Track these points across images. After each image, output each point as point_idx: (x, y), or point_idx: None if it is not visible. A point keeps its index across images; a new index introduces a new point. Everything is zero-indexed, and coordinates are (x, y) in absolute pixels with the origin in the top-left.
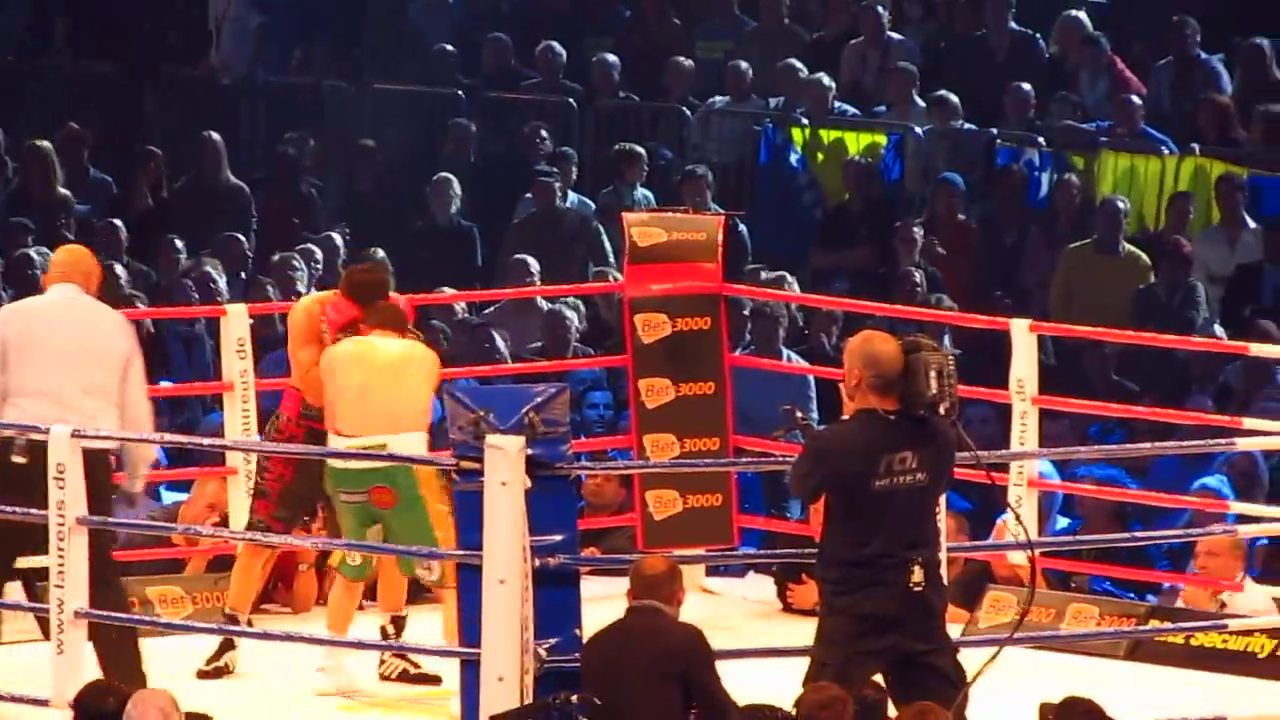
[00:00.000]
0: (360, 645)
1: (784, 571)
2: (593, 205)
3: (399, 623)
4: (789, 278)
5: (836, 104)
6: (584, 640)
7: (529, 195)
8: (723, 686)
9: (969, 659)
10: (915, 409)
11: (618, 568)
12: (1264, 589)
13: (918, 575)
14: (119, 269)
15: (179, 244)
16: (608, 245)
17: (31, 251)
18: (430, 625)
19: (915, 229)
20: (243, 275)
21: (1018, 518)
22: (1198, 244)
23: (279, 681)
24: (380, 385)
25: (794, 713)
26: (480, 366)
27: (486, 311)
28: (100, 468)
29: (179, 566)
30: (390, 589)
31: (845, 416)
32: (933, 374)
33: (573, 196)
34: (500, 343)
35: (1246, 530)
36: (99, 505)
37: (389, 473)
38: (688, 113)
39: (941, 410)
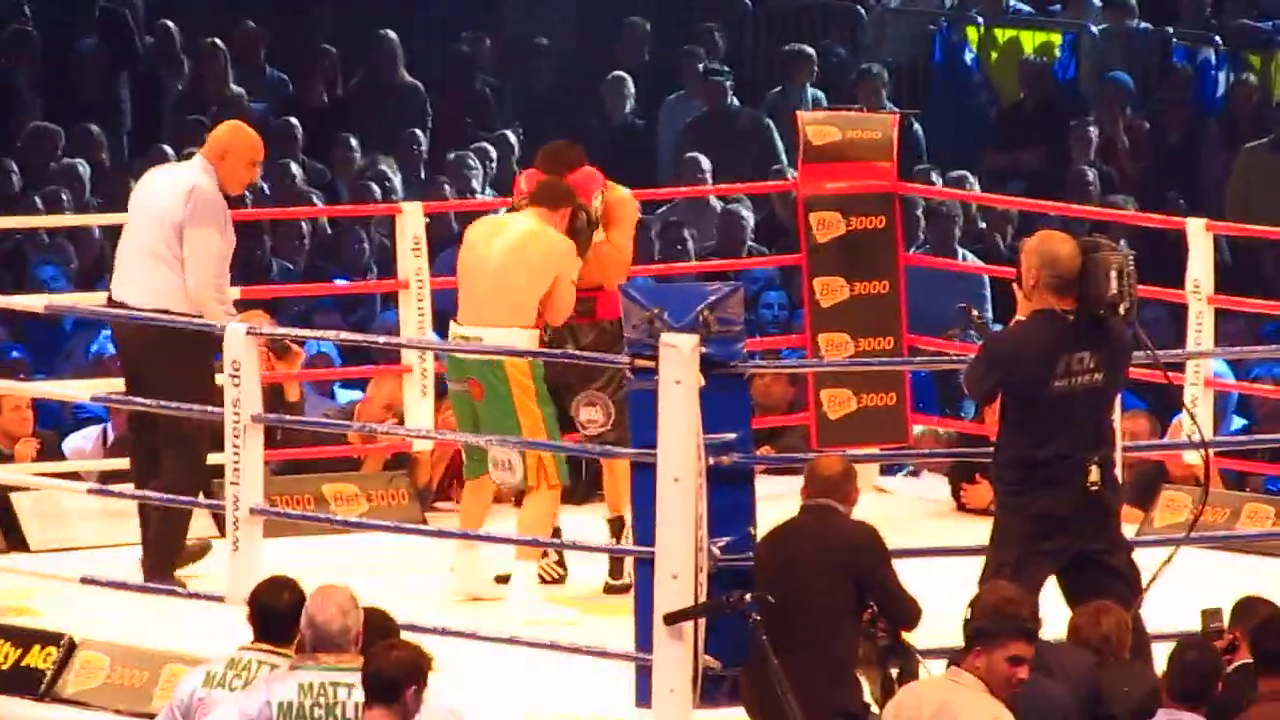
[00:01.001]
0: (534, 543)
1: (958, 471)
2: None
3: (614, 524)
4: (970, 177)
5: (1012, 2)
6: (758, 539)
7: (678, 94)
8: (901, 583)
9: (1143, 559)
10: (1094, 309)
11: (792, 466)
12: None
13: (1094, 475)
14: (294, 167)
15: (354, 142)
16: (780, 145)
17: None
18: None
19: (1090, 128)
20: (419, 174)
21: (1193, 418)
22: None
23: (453, 580)
24: (486, 275)
25: (969, 613)
26: (655, 265)
27: (660, 210)
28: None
29: (355, 465)
30: (613, 488)
31: (1020, 317)
32: (1113, 274)
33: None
34: (690, 242)
35: None
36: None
37: (480, 367)
38: (862, 11)
39: (1121, 311)
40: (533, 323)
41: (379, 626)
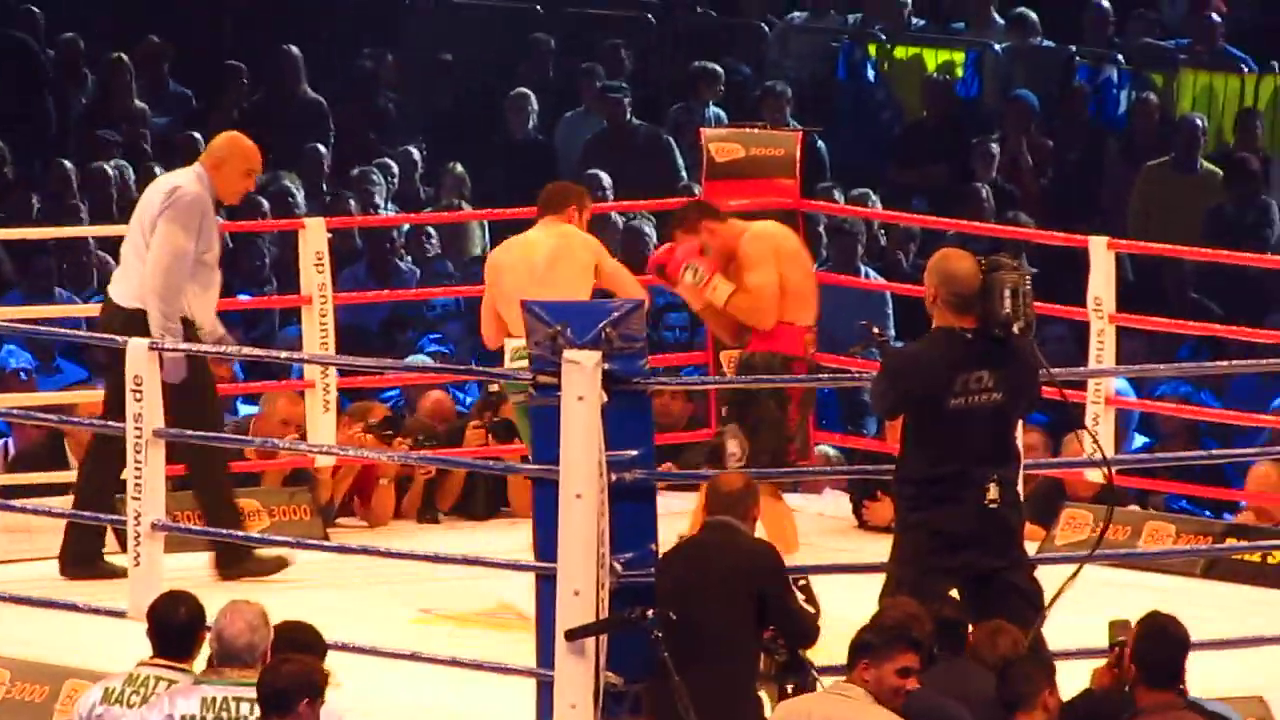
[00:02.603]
0: (436, 559)
1: (860, 488)
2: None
3: None
4: (872, 195)
5: (914, 20)
6: (660, 555)
7: (576, 111)
8: (798, 602)
9: (1046, 576)
10: (991, 328)
11: (693, 484)
12: None
13: (993, 493)
14: None
15: None
16: (680, 161)
17: (107, 166)
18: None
19: (991, 145)
20: (321, 189)
21: (1093, 437)
22: (1276, 163)
23: (355, 596)
24: (536, 282)
25: (865, 633)
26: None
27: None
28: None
29: (255, 481)
30: None
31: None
32: (1007, 293)
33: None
34: None
35: None
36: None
37: None
38: (766, 29)
39: (1015, 330)
40: None
41: (307, 643)
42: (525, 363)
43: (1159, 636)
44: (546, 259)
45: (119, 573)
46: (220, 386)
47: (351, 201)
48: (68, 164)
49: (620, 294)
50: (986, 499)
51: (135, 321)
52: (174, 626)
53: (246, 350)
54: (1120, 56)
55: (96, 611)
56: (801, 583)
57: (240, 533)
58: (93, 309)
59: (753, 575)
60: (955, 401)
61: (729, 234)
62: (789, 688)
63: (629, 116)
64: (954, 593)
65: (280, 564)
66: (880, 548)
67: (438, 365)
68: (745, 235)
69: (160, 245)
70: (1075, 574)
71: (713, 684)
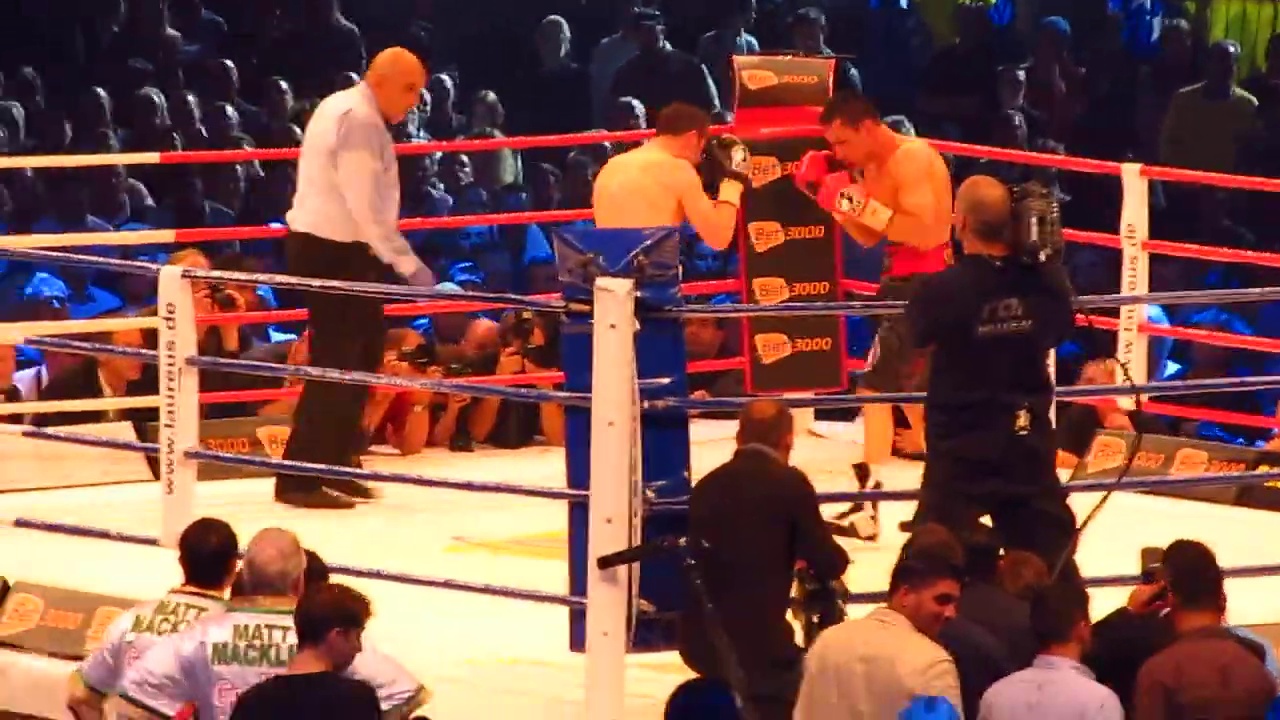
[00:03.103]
0: (469, 487)
1: (894, 416)
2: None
3: (860, 470)
4: (905, 123)
5: None
6: (692, 483)
7: (613, 38)
8: (827, 531)
9: (1078, 503)
10: (1019, 255)
11: (727, 411)
12: None
13: (1023, 420)
14: (230, 110)
15: (284, 85)
16: (714, 89)
17: (140, 93)
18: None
19: (1018, 73)
20: None
21: (1123, 366)
22: None
23: (388, 523)
24: (611, 213)
25: (906, 559)
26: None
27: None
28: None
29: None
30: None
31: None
32: (1034, 220)
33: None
34: None
35: None
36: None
37: None
38: None
39: (1042, 256)
40: None
41: (311, 570)
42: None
43: (1196, 560)
44: (621, 187)
45: (340, 503)
46: (250, 314)
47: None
48: (101, 92)
49: (702, 233)
50: (1016, 426)
51: (330, 249)
52: (205, 554)
53: (280, 279)
54: None
55: (129, 539)
56: (847, 523)
57: (275, 460)
58: (125, 236)
59: (784, 502)
60: (984, 329)
61: (884, 139)
62: (815, 618)
63: (662, 43)
64: (985, 519)
65: (346, 504)
66: (912, 475)
67: (469, 293)
68: (898, 152)
69: (354, 176)
70: (1103, 501)
71: (744, 611)
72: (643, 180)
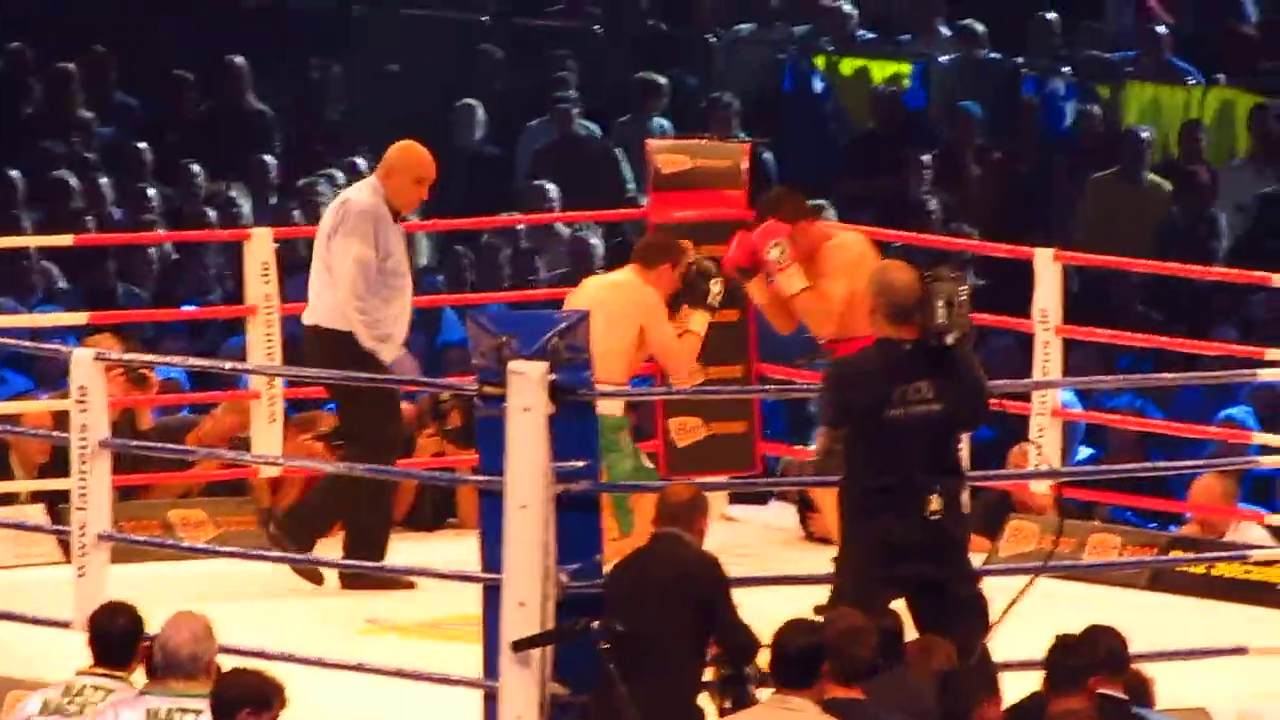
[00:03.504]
0: (382, 569)
1: (806, 499)
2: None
3: None
4: (827, 206)
5: (860, 32)
6: (606, 567)
7: (537, 122)
8: (737, 615)
9: (991, 588)
10: (927, 338)
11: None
12: (1261, 529)
13: (935, 504)
14: (150, 191)
15: (196, 168)
16: (628, 173)
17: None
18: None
19: (923, 157)
20: (268, 200)
21: (1038, 449)
22: (1223, 175)
23: (301, 606)
24: None
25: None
26: (503, 292)
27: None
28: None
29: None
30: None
31: None
32: (940, 302)
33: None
34: (540, 269)
35: (1269, 461)
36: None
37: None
38: (713, 40)
39: (949, 340)
40: (620, 376)
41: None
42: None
43: (1062, 647)
44: (586, 300)
45: (403, 584)
46: (165, 396)
47: (296, 212)
48: (14, 173)
49: (663, 361)
50: (928, 510)
51: (325, 339)
52: (113, 635)
53: (192, 360)
54: (1066, 69)
55: (40, 622)
56: None
57: (174, 541)
58: (37, 318)
59: (696, 585)
60: (894, 412)
61: (817, 237)
62: (727, 703)
63: (577, 125)
64: (902, 603)
65: (408, 584)
66: (826, 558)
67: (384, 376)
68: (831, 242)
69: (342, 260)
70: (1028, 586)
71: (657, 694)
72: (610, 296)
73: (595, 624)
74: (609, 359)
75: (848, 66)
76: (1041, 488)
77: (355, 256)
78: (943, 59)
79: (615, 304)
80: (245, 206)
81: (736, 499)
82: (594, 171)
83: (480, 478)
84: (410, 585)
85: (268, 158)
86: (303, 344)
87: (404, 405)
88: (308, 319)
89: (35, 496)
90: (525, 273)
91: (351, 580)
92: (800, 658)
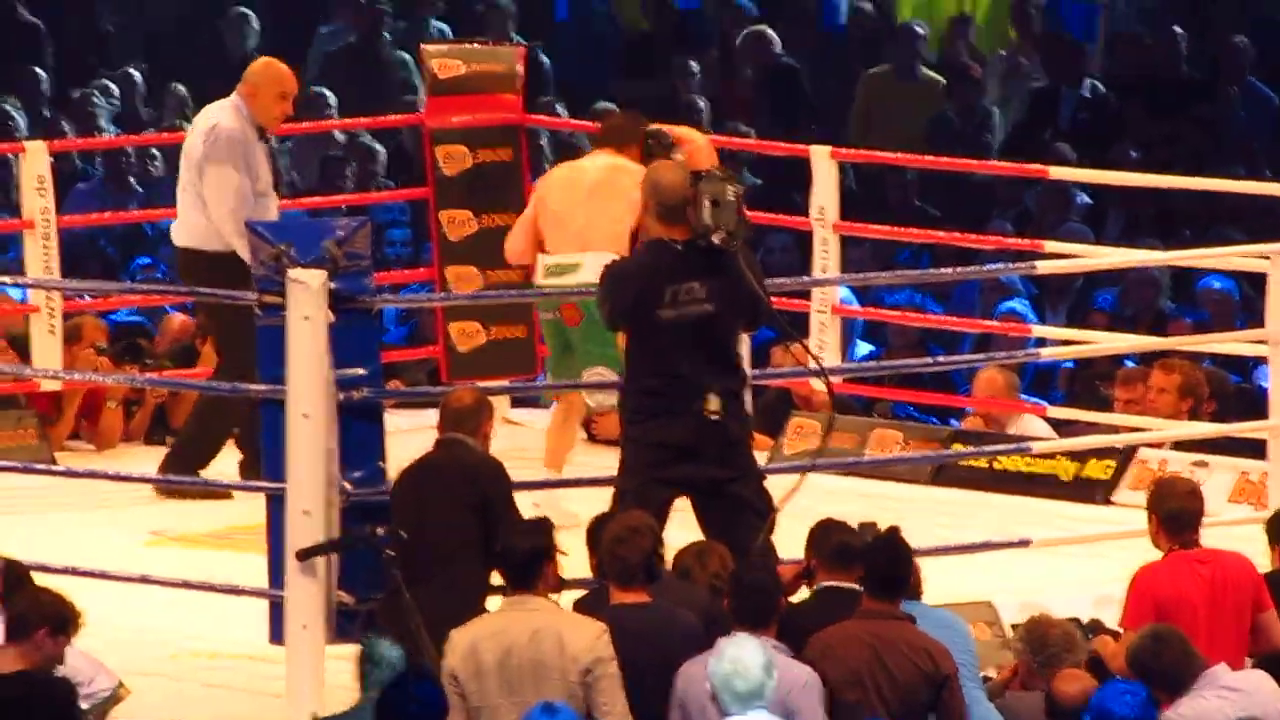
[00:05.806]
0: (165, 481)
1: None
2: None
3: None
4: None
5: None
6: (389, 473)
7: (334, 27)
8: (520, 517)
9: (774, 486)
10: (696, 238)
11: (420, 400)
12: (1042, 422)
13: (714, 404)
14: None
15: None
16: (419, 79)
17: None
18: None
19: (689, 61)
20: (41, 113)
21: (804, 346)
22: (991, 68)
23: (84, 520)
24: (581, 207)
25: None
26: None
27: (287, 144)
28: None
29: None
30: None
31: None
32: (707, 202)
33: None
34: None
35: (1048, 353)
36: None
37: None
38: None
39: (716, 239)
40: (627, 249)
41: (10, 574)
42: (558, 279)
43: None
44: (591, 186)
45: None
46: None
47: (64, 124)
48: None
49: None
50: (707, 409)
51: (196, 259)
52: None
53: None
54: None
55: None
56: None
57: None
58: None
59: (478, 488)
60: (667, 312)
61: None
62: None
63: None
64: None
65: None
66: (609, 460)
67: (159, 287)
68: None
69: (217, 189)
70: (799, 483)
71: (443, 598)
72: (617, 179)
73: (380, 531)
74: (620, 239)
75: None
76: (818, 385)
77: (234, 188)
78: None
79: (628, 186)
80: (19, 119)
81: (518, 403)
82: (387, 76)
83: (262, 387)
84: (227, 495)
85: (40, 70)
86: (176, 261)
87: (178, 317)
88: (180, 241)
89: None
90: (334, 179)
91: (170, 492)
92: (525, 560)
